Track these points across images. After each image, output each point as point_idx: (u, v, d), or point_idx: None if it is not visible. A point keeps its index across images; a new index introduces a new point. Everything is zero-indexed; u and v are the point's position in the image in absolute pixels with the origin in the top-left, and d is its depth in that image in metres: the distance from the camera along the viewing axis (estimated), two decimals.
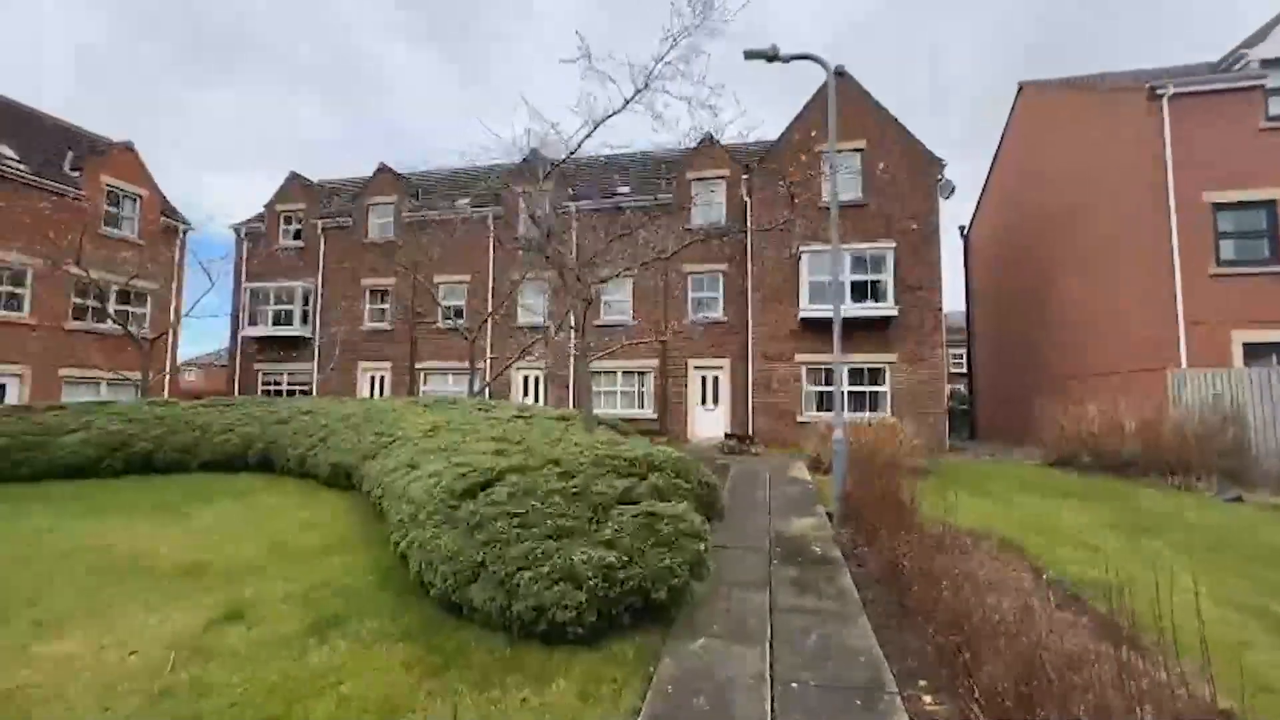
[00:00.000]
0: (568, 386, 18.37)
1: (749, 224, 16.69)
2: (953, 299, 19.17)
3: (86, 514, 6.86)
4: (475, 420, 8.80)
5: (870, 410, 15.40)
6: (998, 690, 2.72)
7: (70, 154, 18.21)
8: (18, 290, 15.95)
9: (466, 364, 15.65)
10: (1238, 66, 12.73)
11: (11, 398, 15.52)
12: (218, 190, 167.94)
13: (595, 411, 10.26)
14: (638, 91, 9.00)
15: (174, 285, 19.56)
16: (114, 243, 17.43)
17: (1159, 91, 12.20)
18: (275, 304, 21.69)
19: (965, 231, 23.23)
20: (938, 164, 16.08)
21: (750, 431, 16.16)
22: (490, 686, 3.16)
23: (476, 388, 15.38)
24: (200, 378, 36.68)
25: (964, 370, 24.75)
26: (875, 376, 15.89)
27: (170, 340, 18.86)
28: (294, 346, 21.73)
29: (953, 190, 16.30)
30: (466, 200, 20.54)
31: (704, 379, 17.98)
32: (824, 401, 16.05)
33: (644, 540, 4.03)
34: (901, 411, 14.80)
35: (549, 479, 4.70)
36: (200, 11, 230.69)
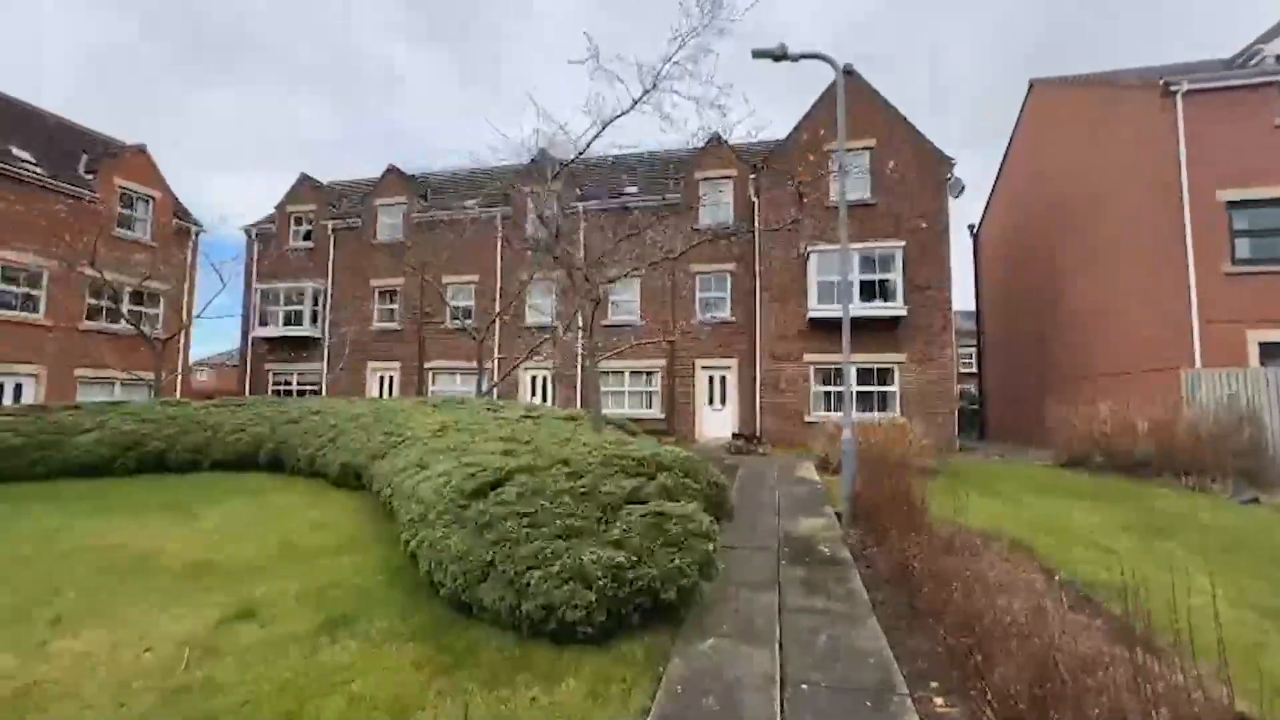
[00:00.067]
0: (575, 387, 18.40)
1: (757, 224, 16.67)
2: (962, 298, 19.05)
3: (99, 513, 6.93)
4: (484, 420, 8.82)
5: (879, 410, 15.32)
6: (1011, 692, 2.70)
7: (85, 156, 18.46)
8: (34, 292, 16.18)
9: (475, 364, 15.68)
10: (1253, 62, 12.55)
11: (27, 397, 15.74)
12: (218, 190, 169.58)
13: (603, 411, 10.28)
14: (646, 92, 8.94)
15: (186, 286, 19.75)
16: (127, 244, 17.66)
17: (1173, 88, 12.05)
18: (285, 304, 21.90)
19: (975, 230, 23.04)
20: (947, 163, 15.97)
21: (758, 431, 16.13)
22: (500, 685, 3.17)
23: (485, 388, 15.42)
24: (212, 378, 37.10)
25: (974, 370, 24.58)
26: (884, 376, 15.80)
27: (182, 340, 19.07)
28: (304, 347, 21.91)
29: (963, 189, 16.19)
30: (474, 201, 20.59)
31: (711, 379, 17.94)
32: (832, 401, 15.99)
33: (653, 540, 4.02)
34: (911, 411, 14.72)
35: (558, 479, 4.70)
36: (200, 11, 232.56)
